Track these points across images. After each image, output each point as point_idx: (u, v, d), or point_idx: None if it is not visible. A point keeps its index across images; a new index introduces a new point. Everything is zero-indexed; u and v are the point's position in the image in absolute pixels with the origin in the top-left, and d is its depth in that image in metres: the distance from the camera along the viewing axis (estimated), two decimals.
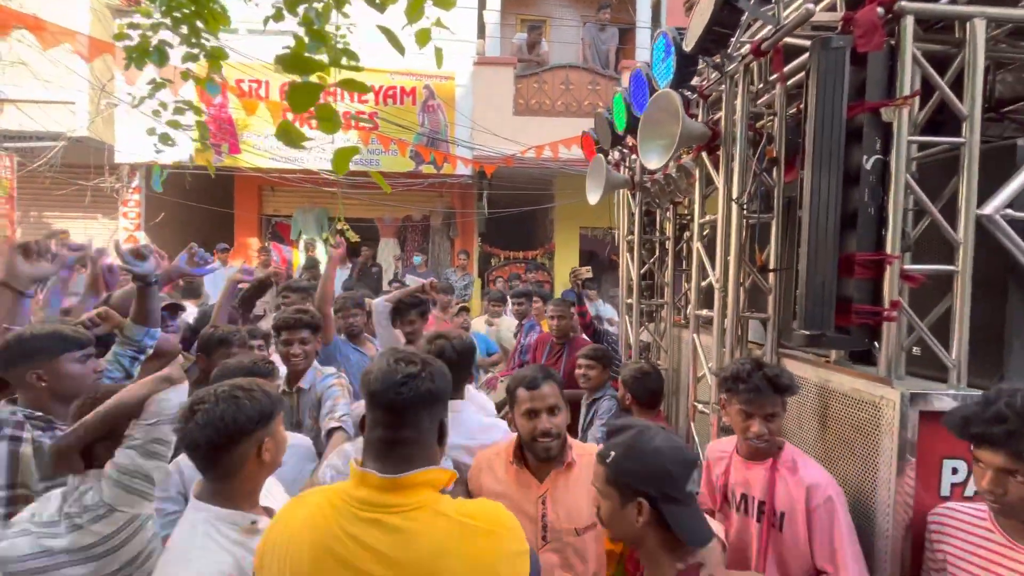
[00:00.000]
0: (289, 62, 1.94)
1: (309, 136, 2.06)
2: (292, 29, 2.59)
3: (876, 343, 1.86)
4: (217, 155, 7.67)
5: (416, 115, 8.24)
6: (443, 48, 2.47)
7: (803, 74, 2.05)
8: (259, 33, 4.34)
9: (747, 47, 2.31)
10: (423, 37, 2.27)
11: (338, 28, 2.68)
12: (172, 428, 1.45)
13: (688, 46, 2.42)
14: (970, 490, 1.70)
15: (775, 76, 2.26)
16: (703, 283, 2.88)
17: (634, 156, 3.70)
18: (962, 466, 1.70)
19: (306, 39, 2.46)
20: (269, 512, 1.43)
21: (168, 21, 3.03)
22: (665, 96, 2.51)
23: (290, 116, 3.89)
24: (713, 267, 2.68)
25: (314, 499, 1.16)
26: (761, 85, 2.47)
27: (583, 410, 3.33)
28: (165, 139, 3.71)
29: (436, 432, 1.19)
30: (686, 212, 3.64)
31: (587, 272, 4.06)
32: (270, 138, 7.63)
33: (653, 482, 1.24)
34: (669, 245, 3.70)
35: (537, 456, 1.74)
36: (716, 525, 1.44)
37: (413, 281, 4.36)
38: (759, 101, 2.51)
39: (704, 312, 2.85)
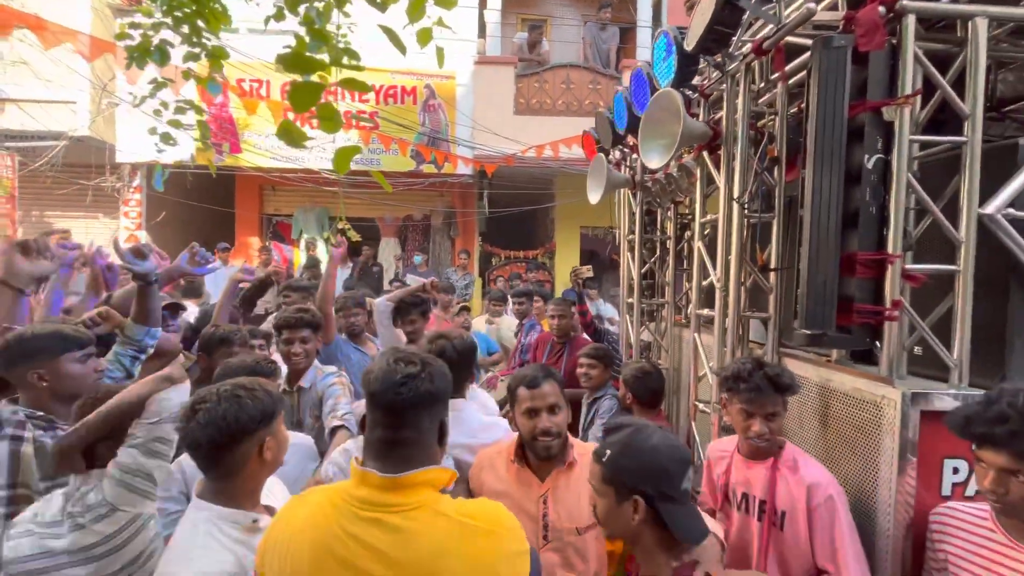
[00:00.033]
0: (290, 61, 1.94)
1: (310, 136, 2.06)
2: (293, 28, 2.59)
3: (877, 342, 1.85)
4: (218, 154, 7.67)
5: (417, 114, 8.24)
6: (444, 47, 2.47)
7: (804, 73, 2.05)
8: (260, 32, 4.34)
9: (748, 46, 2.31)
10: (424, 36, 2.27)
11: (339, 27, 2.67)
12: (174, 427, 1.45)
13: (689, 45, 2.42)
14: (971, 490, 1.70)
15: (776, 75, 2.25)
16: (704, 282, 2.88)
17: (635, 155, 3.69)
18: (963, 466, 1.70)
19: (307, 38, 2.46)
20: (270, 511, 1.43)
21: (169, 20, 3.03)
22: (666, 95, 2.51)
23: (291, 115, 3.89)
24: (714, 266, 2.68)
25: (315, 498, 1.16)
26: (762, 84, 2.47)
27: (584, 409, 3.34)
28: (167, 139, 3.71)
29: (436, 432, 1.19)
30: (687, 211, 3.64)
31: (588, 271, 4.06)
32: (271, 137, 7.63)
33: (649, 480, 1.25)
34: (670, 244, 3.69)
35: (538, 455, 1.74)
36: (716, 525, 1.44)
37: (414, 280, 4.36)
38: (760, 100, 2.50)
39: (705, 311, 2.85)
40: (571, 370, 3.54)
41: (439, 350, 1.96)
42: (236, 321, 3.26)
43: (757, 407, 1.79)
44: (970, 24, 1.78)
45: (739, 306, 2.51)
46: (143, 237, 7.98)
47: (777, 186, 2.35)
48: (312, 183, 8.31)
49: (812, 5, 1.91)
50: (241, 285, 3.45)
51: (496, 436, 2.02)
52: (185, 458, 1.77)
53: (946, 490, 1.71)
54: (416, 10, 2.18)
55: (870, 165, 1.79)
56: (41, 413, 1.71)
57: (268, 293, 4.12)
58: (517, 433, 1.83)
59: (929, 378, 1.85)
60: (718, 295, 2.62)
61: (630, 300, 4.07)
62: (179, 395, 1.54)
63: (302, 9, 2.65)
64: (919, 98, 1.81)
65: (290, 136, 1.94)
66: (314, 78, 2.00)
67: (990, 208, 1.75)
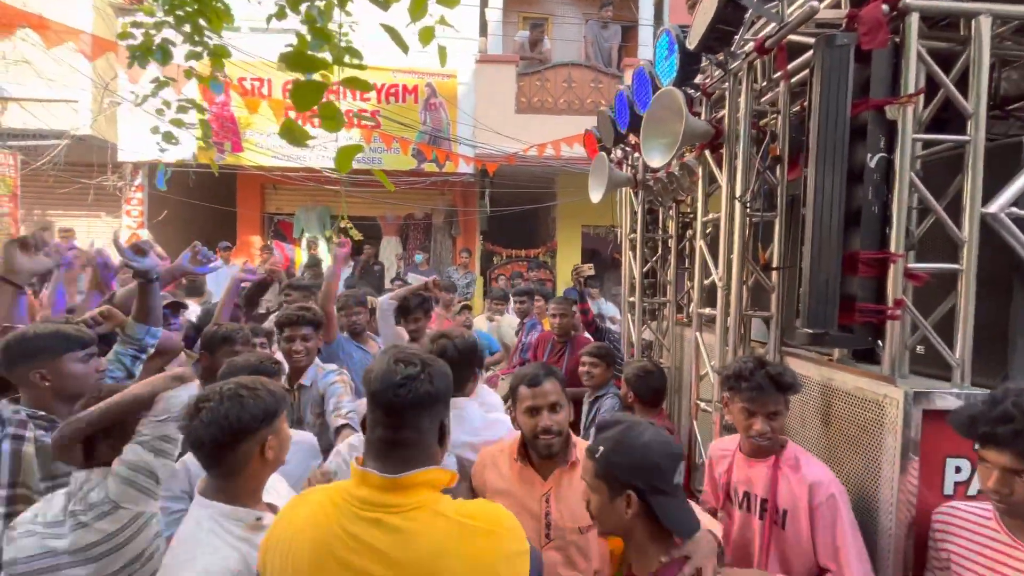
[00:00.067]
0: (292, 60, 1.94)
1: (312, 135, 2.06)
2: (295, 27, 2.58)
3: (880, 342, 1.85)
4: (219, 153, 7.67)
5: (418, 113, 8.23)
6: (446, 46, 2.46)
7: (807, 72, 2.05)
8: (261, 31, 4.33)
9: (751, 44, 2.31)
10: (427, 35, 2.26)
11: (340, 26, 2.67)
12: (178, 426, 1.46)
13: (691, 44, 2.41)
14: (973, 489, 1.70)
15: (779, 74, 2.25)
16: (706, 281, 2.88)
17: (637, 154, 3.69)
18: (965, 465, 1.70)
19: (309, 37, 2.45)
20: (273, 508, 1.44)
21: (171, 19, 3.03)
22: (668, 94, 2.50)
23: (292, 114, 3.89)
24: (716, 265, 2.68)
25: (316, 497, 1.16)
26: (765, 83, 2.46)
27: (586, 408, 3.34)
28: (168, 137, 3.71)
29: (436, 433, 1.19)
30: (689, 210, 3.64)
31: (589, 269, 4.05)
32: (273, 136, 7.64)
33: (642, 474, 1.27)
34: (672, 243, 3.69)
35: (539, 453, 1.75)
36: (714, 524, 1.44)
37: (416, 279, 4.36)
38: (763, 99, 2.50)
39: (707, 310, 2.85)
40: (572, 369, 3.54)
41: (440, 350, 1.96)
42: (238, 320, 3.26)
43: (759, 406, 1.79)
44: (974, 22, 1.78)
45: (741, 305, 2.51)
46: (145, 236, 7.99)
47: (779, 185, 2.35)
48: (314, 182, 8.32)
49: (815, 3, 1.91)
50: (243, 284, 3.46)
51: (499, 433, 2.02)
52: (189, 457, 1.78)
53: (948, 489, 1.71)
54: (418, 8, 2.17)
55: (873, 164, 1.79)
56: (42, 413, 1.70)
57: (268, 292, 4.13)
58: (520, 431, 1.83)
59: (931, 377, 1.85)
60: (720, 294, 2.62)
61: (632, 299, 4.07)
62: (188, 394, 1.54)
63: (304, 7, 2.64)
64: (922, 97, 1.80)
65: (293, 135, 1.94)
66: (316, 77, 1.99)
67: (993, 207, 1.75)
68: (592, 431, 3.16)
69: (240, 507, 1.35)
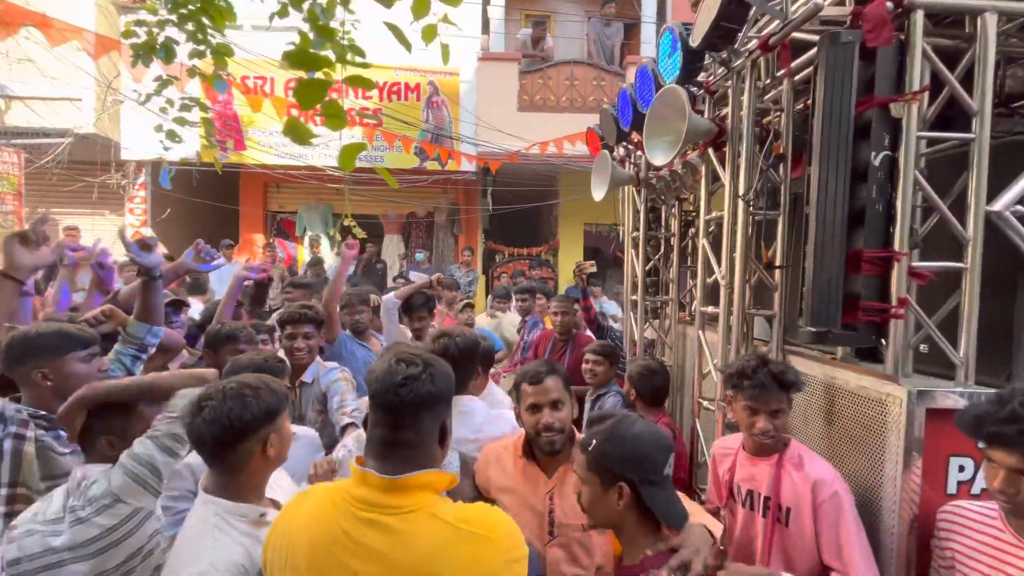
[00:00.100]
0: (295, 58, 1.94)
1: (316, 133, 2.06)
2: (297, 25, 2.58)
3: (883, 340, 1.85)
4: (222, 151, 7.68)
5: (420, 111, 8.23)
6: (448, 44, 2.46)
7: (811, 69, 2.04)
8: (264, 29, 4.33)
9: (754, 42, 2.30)
10: (429, 33, 2.26)
11: (343, 24, 2.67)
12: (181, 423, 1.46)
13: (694, 42, 2.40)
14: (977, 488, 1.69)
15: (782, 72, 2.24)
16: (708, 280, 2.88)
17: (639, 152, 3.68)
18: (969, 464, 1.70)
19: (311, 35, 2.45)
20: (276, 505, 1.45)
21: (174, 18, 3.03)
22: (671, 92, 2.50)
23: (295, 113, 3.89)
24: (719, 264, 2.67)
25: (317, 495, 1.17)
26: (768, 81, 2.45)
27: (588, 405, 3.33)
28: (172, 136, 3.71)
29: (437, 434, 1.18)
30: (691, 208, 3.63)
31: (591, 266, 4.04)
32: (275, 135, 7.65)
33: (633, 466, 1.30)
34: (674, 241, 3.69)
35: (542, 450, 1.75)
36: (713, 522, 1.45)
37: (418, 277, 4.37)
38: (766, 97, 2.49)
39: (710, 309, 2.85)
40: (574, 367, 3.54)
41: (442, 349, 1.96)
42: (239, 318, 3.27)
43: (762, 404, 1.78)
44: (979, 19, 1.77)
45: (744, 303, 2.51)
46: (148, 234, 8.01)
47: (783, 183, 2.34)
48: (316, 180, 8.33)
49: (819, 0, 1.90)
50: (246, 283, 3.47)
51: (502, 430, 2.02)
52: (193, 456, 1.78)
53: (951, 488, 1.70)
54: (421, 7, 2.17)
55: (877, 162, 1.78)
56: (44, 413, 1.69)
57: (270, 290, 4.14)
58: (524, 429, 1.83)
59: (935, 376, 1.84)
60: (723, 292, 2.61)
61: (634, 297, 4.07)
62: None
63: (306, 5, 2.64)
64: (927, 94, 1.80)
65: (297, 134, 1.93)
66: (319, 75, 1.99)
67: (998, 205, 1.74)
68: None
69: (243, 503, 1.36)
